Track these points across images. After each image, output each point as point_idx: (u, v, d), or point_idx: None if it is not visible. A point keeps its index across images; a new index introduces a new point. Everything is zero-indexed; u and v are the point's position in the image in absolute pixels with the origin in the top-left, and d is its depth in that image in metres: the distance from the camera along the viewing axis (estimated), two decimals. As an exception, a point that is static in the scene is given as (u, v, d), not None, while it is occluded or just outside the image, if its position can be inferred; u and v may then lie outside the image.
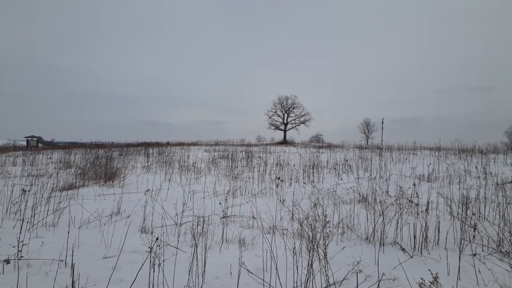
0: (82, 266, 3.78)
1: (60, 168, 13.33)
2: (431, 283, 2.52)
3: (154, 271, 3.15)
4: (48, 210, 6.09)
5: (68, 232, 4.54)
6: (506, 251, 4.11)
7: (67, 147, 24.50)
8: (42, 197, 6.77)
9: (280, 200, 7.13)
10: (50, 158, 16.72)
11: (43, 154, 19.16)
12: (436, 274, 2.65)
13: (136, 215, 6.35)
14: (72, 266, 3.08)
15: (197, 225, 5.39)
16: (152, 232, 5.40)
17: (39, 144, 41.81)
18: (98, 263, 4.11)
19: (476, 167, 11.79)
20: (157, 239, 3.21)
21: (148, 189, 7.55)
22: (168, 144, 29.42)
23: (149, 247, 3.13)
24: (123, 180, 10.24)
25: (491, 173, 10.55)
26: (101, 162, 12.31)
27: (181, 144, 30.44)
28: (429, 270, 3.13)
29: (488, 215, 5.75)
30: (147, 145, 25.91)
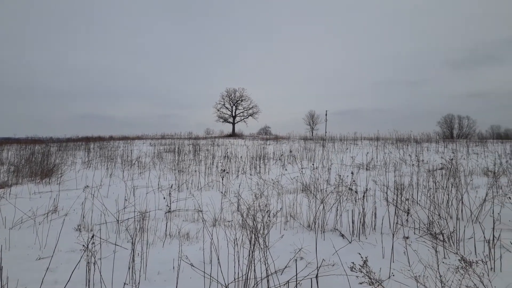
0: (12, 269, 3.56)
1: (-10, 165, 12.37)
2: (361, 266, 2.67)
3: (90, 269, 3.05)
4: (-26, 211, 5.65)
5: (-3, 234, 4.25)
6: (435, 232, 4.41)
7: (-1, 143, 22.75)
8: (-33, 197, 6.27)
9: (222, 192, 7.15)
10: (-22, 155, 15.45)
11: (-30, 151, 17.66)
12: (365, 258, 2.80)
13: (75, 213, 6.07)
14: (0, 269, 2.90)
15: (139, 221, 5.26)
16: (91, 230, 5.19)
17: (-34, 140, 38.55)
18: (31, 265, 3.88)
19: (410, 155, 12.56)
20: (93, 236, 3.09)
21: (88, 186, 7.24)
22: (111, 138, 28.40)
23: (83, 245, 3.01)
24: (61, 176, 9.72)
25: (423, 160, 11.30)
26: (37, 158, 11.59)
27: (125, 138, 29.49)
28: (359, 254, 3.31)
29: (420, 200, 6.14)
30: (88, 139, 24.77)
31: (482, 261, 3.06)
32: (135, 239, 3.75)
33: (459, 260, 2.84)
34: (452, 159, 7.15)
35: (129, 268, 3.44)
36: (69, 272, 3.27)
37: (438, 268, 3.03)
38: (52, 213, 5.98)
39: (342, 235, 4.85)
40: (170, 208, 6.05)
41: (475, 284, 2.72)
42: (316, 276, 3.07)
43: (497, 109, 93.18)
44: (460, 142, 20.50)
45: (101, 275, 3.13)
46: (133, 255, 3.44)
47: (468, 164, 10.72)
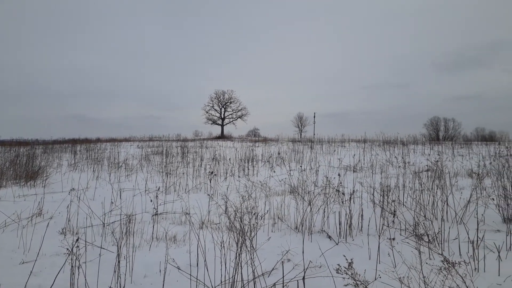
0: (-5, 273, 3.51)
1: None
2: (346, 268, 2.70)
3: (74, 273, 3.01)
4: (-44, 215, 5.53)
5: (-21, 238, 4.17)
6: (420, 234, 4.46)
7: (-18, 145, 22.31)
8: (-51, 201, 6.13)
9: (209, 195, 7.14)
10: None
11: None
12: (351, 259, 2.83)
13: (60, 216, 5.98)
14: (-19, 274, 2.85)
15: (125, 224, 5.22)
16: (76, 233, 5.13)
17: (-51, 142, 37.69)
18: (14, 269, 3.82)
19: (396, 157, 12.70)
20: (77, 239, 3.05)
21: (73, 188, 7.15)
22: (98, 140, 28.11)
23: (67, 249, 2.98)
24: (47, 179, 9.59)
25: (409, 162, 11.43)
26: (22, 161, 11.40)
27: (112, 140, 29.20)
28: (344, 256, 3.33)
29: (406, 201, 6.21)
30: (74, 141, 24.47)
31: (465, 262, 3.11)
32: (121, 242, 3.72)
33: (442, 261, 2.88)
34: (437, 161, 7.25)
35: (114, 271, 3.40)
36: (53, 276, 3.23)
37: (421, 269, 3.06)
38: (36, 216, 5.90)
39: (329, 237, 4.88)
40: (157, 211, 6.01)
41: (457, 285, 2.77)
42: (303, 278, 3.08)
43: (482, 111, 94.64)
44: (446, 144, 20.80)
45: (85, 278, 3.09)
46: (119, 258, 3.41)
47: (453, 166, 10.88)
